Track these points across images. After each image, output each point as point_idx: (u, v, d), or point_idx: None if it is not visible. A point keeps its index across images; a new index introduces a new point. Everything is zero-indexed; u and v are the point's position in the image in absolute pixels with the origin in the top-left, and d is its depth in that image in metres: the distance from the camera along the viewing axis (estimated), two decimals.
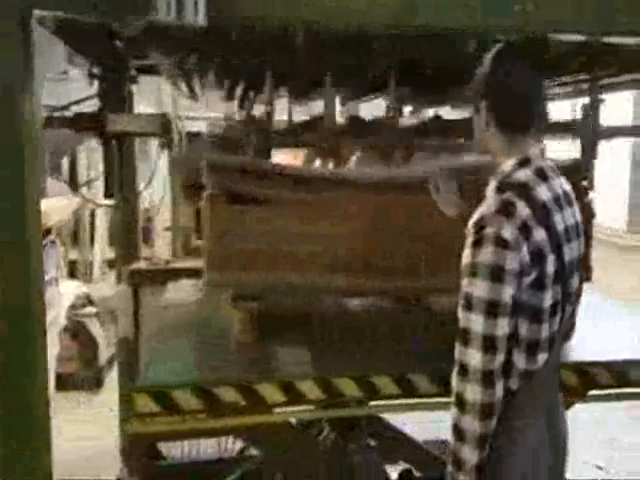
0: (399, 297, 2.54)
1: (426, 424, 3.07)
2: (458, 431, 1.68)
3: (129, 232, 3.41)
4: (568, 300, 1.73)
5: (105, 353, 5.14)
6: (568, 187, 1.78)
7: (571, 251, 1.72)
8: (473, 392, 1.63)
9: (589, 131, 2.37)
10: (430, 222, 2.25)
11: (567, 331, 2.12)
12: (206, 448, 3.49)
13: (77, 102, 2.38)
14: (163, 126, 2.24)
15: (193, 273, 3.17)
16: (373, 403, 2.29)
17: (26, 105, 1.49)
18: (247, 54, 2.39)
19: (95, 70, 2.41)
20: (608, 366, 2.16)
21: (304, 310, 2.54)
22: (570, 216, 1.73)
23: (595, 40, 1.87)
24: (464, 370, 1.65)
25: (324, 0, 1.59)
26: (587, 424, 3.92)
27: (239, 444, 3.42)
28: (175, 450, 3.44)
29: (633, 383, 2.21)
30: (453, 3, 1.70)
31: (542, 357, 1.70)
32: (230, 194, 2.21)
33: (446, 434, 1.75)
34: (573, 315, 2.14)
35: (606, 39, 1.86)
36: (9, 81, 1.46)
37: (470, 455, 1.67)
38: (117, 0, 1.39)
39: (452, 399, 1.70)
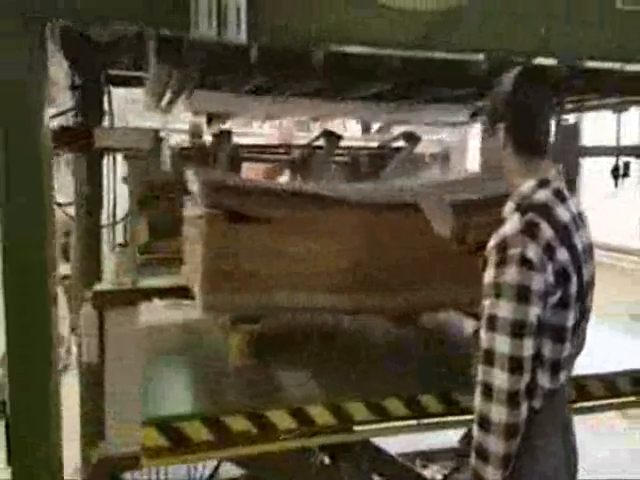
0: (398, 315, 2.53)
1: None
2: (482, 451, 1.67)
3: (90, 250, 3.22)
4: (585, 318, 1.76)
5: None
6: (581, 208, 1.82)
7: (588, 271, 1.75)
8: (498, 413, 1.63)
9: (572, 151, 2.46)
10: (424, 241, 2.26)
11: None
12: (175, 474, 3.35)
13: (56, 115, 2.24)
14: (154, 141, 2.13)
15: (165, 293, 3.07)
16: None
17: (41, 110, 1.40)
18: (222, 69, 2.32)
19: (74, 80, 2.27)
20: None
21: (302, 331, 2.48)
22: (585, 236, 1.77)
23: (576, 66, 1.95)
24: (489, 390, 1.64)
25: (348, 19, 1.57)
26: None
27: (210, 467, 3.30)
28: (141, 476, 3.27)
29: (594, 397, 2.28)
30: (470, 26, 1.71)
31: (563, 375, 1.73)
32: (226, 213, 2.13)
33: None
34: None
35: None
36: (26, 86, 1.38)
37: (493, 476, 1.66)
38: (157, 15, 1.30)
39: (475, 419, 1.70)
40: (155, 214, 4.20)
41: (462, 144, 4.19)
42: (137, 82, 3.02)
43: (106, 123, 2.47)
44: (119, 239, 4.53)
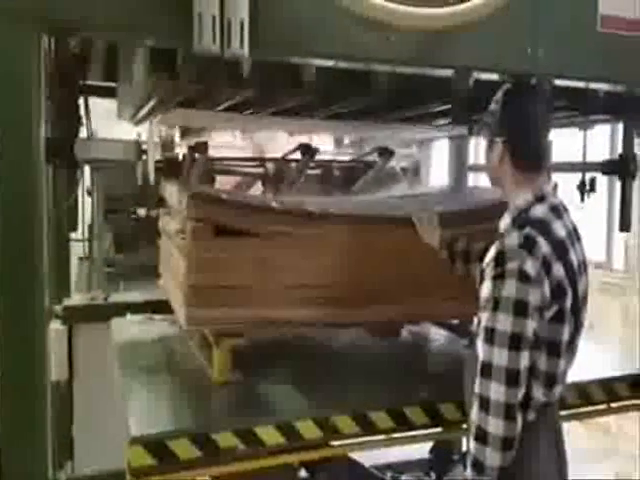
0: (381, 328, 2.54)
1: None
2: (478, 464, 1.68)
3: (58, 265, 3.14)
4: (579, 332, 1.80)
5: None
6: (576, 223, 1.86)
7: (582, 285, 1.79)
8: (495, 425, 1.65)
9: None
10: (411, 254, 2.29)
11: None
12: None
13: None
14: (137, 153, 2.10)
15: (137, 308, 3.01)
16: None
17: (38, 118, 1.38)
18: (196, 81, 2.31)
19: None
20: None
21: (285, 345, 2.47)
22: (580, 252, 1.81)
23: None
24: (486, 403, 1.66)
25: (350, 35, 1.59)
26: None
27: None
28: None
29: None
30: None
31: (558, 389, 1.76)
32: (213, 227, 2.10)
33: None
34: None
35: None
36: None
37: None
38: (162, 27, 1.29)
39: (471, 431, 1.71)
40: (121, 227, 4.14)
41: (428, 159, 4.27)
42: (107, 93, 2.99)
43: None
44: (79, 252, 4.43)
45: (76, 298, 3.05)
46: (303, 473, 2.47)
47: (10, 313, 1.51)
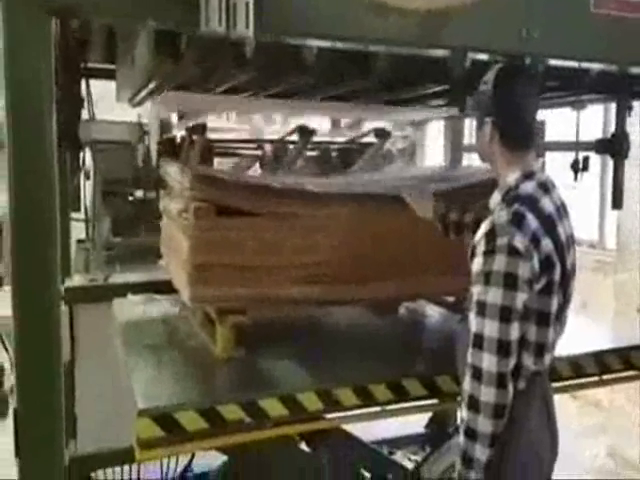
0: (384, 306, 2.60)
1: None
2: (471, 431, 1.76)
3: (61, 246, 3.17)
4: (568, 303, 1.87)
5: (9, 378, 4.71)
6: (563, 199, 1.92)
7: (570, 259, 1.86)
8: (487, 394, 1.72)
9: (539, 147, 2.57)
10: (411, 234, 2.35)
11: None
12: (146, 471, 3.32)
13: None
14: (140, 134, 2.13)
15: (137, 288, 3.05)
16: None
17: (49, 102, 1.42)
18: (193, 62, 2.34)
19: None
20: None
21: (287, 322, 2.52)
22: (568, 226, 1.87)
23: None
24: (478, 373, 1.73)
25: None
26: None
27: (181, 464, 3.29)
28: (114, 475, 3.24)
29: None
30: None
31: (547, 358, 1.83)
32: (216, 206, 2.15)
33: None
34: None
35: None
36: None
37: (481, 453, 1.75)
38: (169, 9, 1.33)
39: (464, 400, 1.78)
40: (118, 210, 4.16)
41: (423, 140, 4.31)
42: (107, 75, 3.01)
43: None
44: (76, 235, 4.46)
45: (76, 279, 3.09)
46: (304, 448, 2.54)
47: (28, 294, 1.56)
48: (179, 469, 3.29)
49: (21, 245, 1.53)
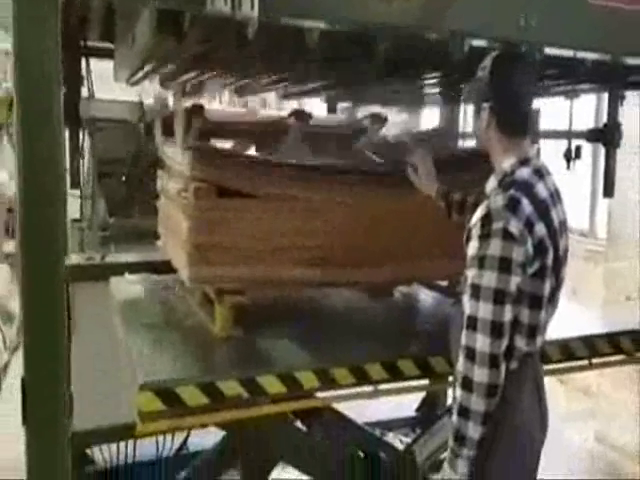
0: (380, 289, 2.64)
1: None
2: (464, 409, 1.80)
3: None
4: (559, 287, 1.92)
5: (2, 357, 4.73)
6: (557, 185, 1.96)
7: (563, 244, 1.90)
8: (480, 373, 1.76)
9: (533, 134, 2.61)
10: (408, 218, 2.38)
11: None
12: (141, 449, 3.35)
13: None
14: (141, 113, 2.15)
15: (137, 268, 3.07)
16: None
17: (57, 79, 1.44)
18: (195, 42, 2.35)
19: None
20: None
21: (285, 303, 2.56)
22: (561, 212, 1.91)
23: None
24: (472, 354, 1.77)
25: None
26: None
27: (177, 443, 3.33)
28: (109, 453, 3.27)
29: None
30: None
31: (540, 339, 1.88)
32: (216, 187, 2.17)
33: None
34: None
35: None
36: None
37: (474, 431, 1.80)
38: None
39: (457, 380, 1.82)
40: (113, 190, 4.16)
41: (418, 126, 4.33)
42: (105, 54, 3.01)
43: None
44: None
45: (73, 257, 3.11)
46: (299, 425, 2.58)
47: (35, 270, 1.58)
48: (174, 447, 3.33)
49: (29, 222, 1.55)
